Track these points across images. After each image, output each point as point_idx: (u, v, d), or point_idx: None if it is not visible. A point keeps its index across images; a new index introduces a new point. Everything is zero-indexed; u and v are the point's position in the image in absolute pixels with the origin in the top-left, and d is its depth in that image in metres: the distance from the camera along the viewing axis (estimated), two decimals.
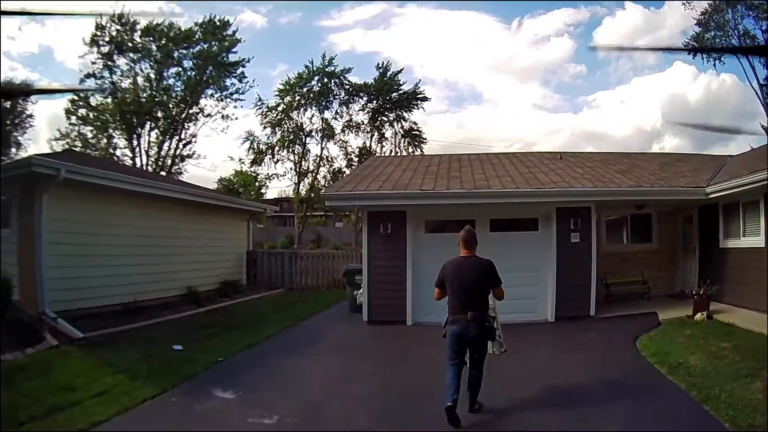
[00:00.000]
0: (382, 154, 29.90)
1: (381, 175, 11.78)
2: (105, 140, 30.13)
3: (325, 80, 34.76)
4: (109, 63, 29.05)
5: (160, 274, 11.82)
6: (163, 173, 30.39)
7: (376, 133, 36.71)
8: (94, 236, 10.06)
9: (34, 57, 46.87)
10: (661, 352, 7.02)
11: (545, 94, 58.43)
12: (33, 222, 8.71)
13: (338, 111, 35.93)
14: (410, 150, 35.21)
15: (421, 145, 36.88)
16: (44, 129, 62.38)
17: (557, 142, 56.38)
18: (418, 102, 36.70)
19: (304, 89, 35.04)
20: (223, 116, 32.66)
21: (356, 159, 35.92)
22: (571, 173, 11.05)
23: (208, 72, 30.87)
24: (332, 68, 34.72)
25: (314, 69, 34.50)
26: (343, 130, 36.10)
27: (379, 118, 36.30)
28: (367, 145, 36.68)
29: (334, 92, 35.34)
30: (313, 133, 36.48)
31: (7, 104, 29.95)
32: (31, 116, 34.53)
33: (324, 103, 35.53)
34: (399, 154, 34.85)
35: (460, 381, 5.04)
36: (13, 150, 33.47)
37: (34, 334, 7.76)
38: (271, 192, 40.14)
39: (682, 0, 26.86)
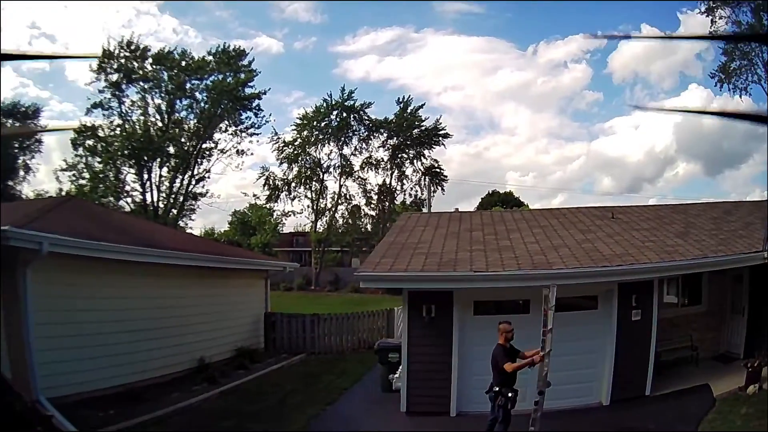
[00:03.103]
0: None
1: (420, 244, 10.78)
2: (113, 175, 29.94)
3: (344, 115, 34.25)
4: (117, 93, 29.03)
5: (166, 348, 10.99)
6: (174, 211, 30.16)
7: (396, 171, 35.89)
8: (88, 312, 9.26)
9: (45, 74, 47.12)
10: None
11: (561, 122, 58.06)
12: (17, 299, 7.90)
13: (357, 147, 35.42)
14: (431, 187, 34.47)
15: (442, 183, 36.49)
16: (56, 150, 62.54)
17: (572, 169, 55.69)
18: (440, 138, 36.37)
19: (323, 124, 34.33)
20: (238, 151, 32.49)
21: (375, 197, 35.14)
22: (631, 240, 10.54)
23: (222, 105, 30.62)
24: (351, 102, 34.21)
25: (333, 103, 34.06)
26: (362, 167, 35.43)
27: (399, 155, 35.52)
28: (387, 182, 35.94)
29: (354, 128, 34.64)
30: (331, 170, 35.85)
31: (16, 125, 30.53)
32: (39, 141, 34.57)
33: (343, 139, 34.83)
34: (420, 192, 34.06)
35: None
36: (22, 173, 33.65)
37: (27, 428, 6.76)
38: (288, 225, 39.30)
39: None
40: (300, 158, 35.90)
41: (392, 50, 55.92)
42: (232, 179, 76.12)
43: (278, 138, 35.71)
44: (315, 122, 35.10)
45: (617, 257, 9.46)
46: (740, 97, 28.82)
